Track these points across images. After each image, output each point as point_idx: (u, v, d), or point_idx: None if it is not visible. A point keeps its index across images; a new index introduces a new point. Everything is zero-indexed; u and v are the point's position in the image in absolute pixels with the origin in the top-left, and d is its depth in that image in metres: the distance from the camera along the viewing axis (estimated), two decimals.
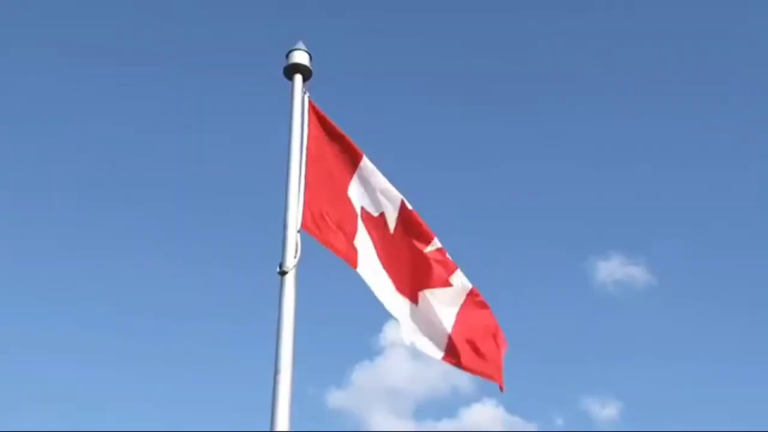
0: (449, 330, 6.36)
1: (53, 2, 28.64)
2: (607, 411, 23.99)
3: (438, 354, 6.33)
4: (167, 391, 24.99)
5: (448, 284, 6.48)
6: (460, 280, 6.50)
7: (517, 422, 23.13)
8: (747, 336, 26.28)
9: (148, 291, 27.11)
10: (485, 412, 23.72)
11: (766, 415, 22.81)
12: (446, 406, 24.35)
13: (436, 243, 6.51)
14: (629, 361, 25.87)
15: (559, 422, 23.48)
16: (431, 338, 6.37)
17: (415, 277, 6.46)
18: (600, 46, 31.15)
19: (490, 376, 6.35)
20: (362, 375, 24.97)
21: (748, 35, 29.36)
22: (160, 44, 29.84)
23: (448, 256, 6.53)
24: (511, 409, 23.37)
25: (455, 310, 6.44)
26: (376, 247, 6.46)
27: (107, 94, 29.40)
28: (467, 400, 24.57)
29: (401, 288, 6.41)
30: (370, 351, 25.22)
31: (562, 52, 30.39)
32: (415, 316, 6.38)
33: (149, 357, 24.65)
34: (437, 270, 6.46)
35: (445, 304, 6.43)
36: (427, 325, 6.38)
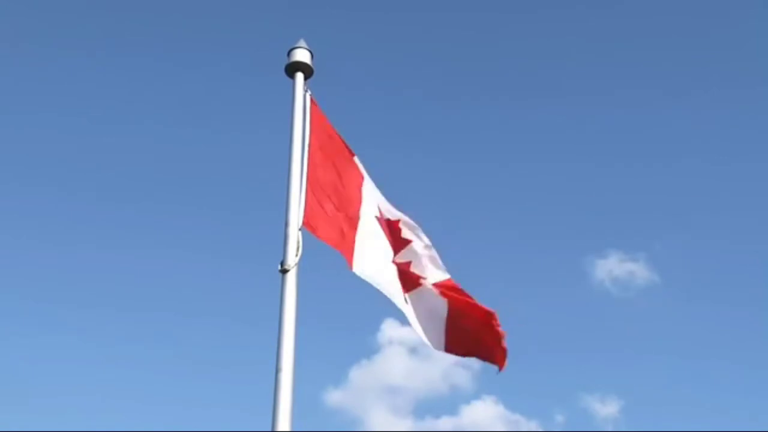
0: (445, 321, 6.50)
1: (53, 2, 28.66)
2: (607, 408, 24.01)
3: (440, 347, 6.47)
4: (168, 389, 25.01)
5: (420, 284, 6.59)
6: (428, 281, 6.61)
7: (518, 420, 23.18)
8: (748, 334, 26.31)
9: (148, 289, 27.14)
10: (486, 410, 23.76)
11: (766, 415, 22.82)
12: (446, 403, 24.38)
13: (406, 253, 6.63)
14: (629, 358, 25.89)
15: (560, 420, 23.52)
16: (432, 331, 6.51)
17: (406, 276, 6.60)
18: (600, 45, 31.18)
19: (490, 359, 6.44)
20: (360, 373, 24.96)
21: (748, 35, 29.38)
22: (161, 42, 29.90)
23: (411, 269, 6.62)
24: (511, 406, 23.42)
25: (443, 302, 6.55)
26: (389, 243, 6.58)
27: (108, 93, 29.43)
28: (467, 398, 24.58)
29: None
30: (368, 349, 25.20)
31: (562, 52, 30.42)
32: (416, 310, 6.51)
33: (150, 355, 24.66)
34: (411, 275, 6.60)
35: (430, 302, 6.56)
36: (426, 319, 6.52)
